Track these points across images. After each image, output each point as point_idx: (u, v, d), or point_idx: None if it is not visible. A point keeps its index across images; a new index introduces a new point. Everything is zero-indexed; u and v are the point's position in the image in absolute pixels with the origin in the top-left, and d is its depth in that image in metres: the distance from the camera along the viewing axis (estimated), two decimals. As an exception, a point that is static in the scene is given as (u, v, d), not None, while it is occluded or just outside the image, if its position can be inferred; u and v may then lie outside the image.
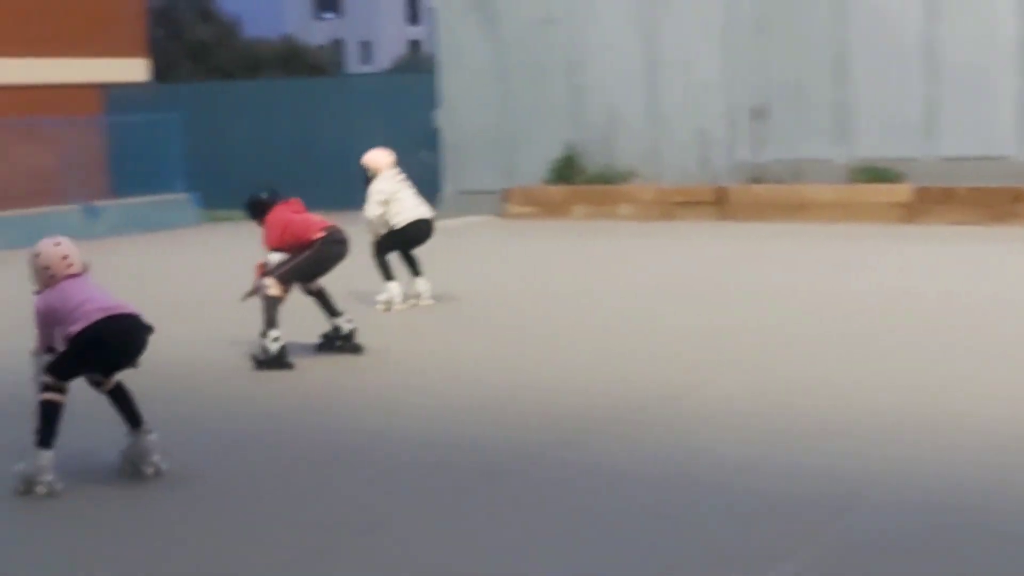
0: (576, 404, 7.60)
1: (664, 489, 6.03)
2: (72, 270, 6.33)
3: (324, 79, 35.93)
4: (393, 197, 11.47)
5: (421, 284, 11.61)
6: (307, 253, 8.94)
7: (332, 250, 9.07)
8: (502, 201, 19.47)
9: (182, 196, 20.79)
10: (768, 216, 17.56)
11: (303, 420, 7.61)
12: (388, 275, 11.54)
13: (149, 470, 6.49)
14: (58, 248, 6.36)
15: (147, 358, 6.51)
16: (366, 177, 11.54)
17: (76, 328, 6.18)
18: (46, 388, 6.22)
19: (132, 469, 6.51)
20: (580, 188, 19.27)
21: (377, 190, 11.41)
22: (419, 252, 11.65)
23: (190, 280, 13.98)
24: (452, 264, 14.56)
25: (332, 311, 9.33)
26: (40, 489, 6.18)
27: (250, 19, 56.00)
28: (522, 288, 12.38)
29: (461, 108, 20.59)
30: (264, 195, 9.24)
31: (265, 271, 8.95)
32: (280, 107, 25.29)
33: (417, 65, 56.63)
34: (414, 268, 11.67)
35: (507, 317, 10.73)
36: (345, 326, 9.35)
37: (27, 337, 6.56)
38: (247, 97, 26.46)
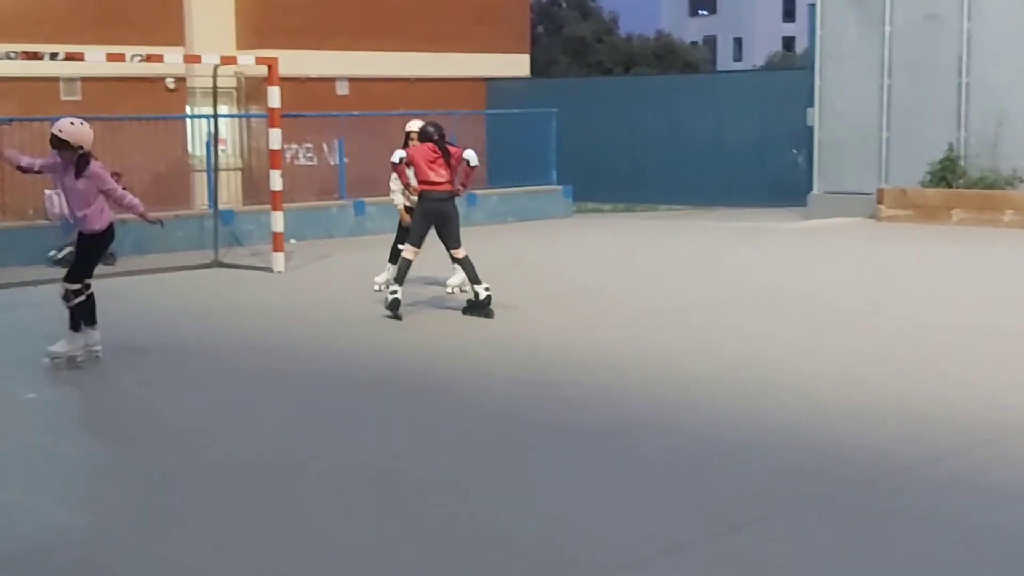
0: (952, 417, 7.30)
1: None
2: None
3: (695, 76, 36.05)
4: None
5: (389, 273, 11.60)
6: (415, 213, 10.55)
7: (429, 207, 10.36)
8: (876, 203, 18.91)
9: (556, 188, 21.46)
10: None
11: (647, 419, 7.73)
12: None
13: (92, 355, 8.76)
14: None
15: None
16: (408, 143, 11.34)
17: (101, 225, 8.46)
18: (77, 293, 8.49)
19: (84, 354, 8.75)
20: (960, 192, 18.40)
21: None
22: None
23: (562, 266, 14.43)
24: (820, 264, 14.32)
25: (473, 279, 10.40)
26: (79, 359, 8.66)
27: (627, 16, 57.00)
28: (889, 291, 12.02)
29: (837, 106, 20.16)
30: (430, 128, 10.59)
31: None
32: (651, 103, 25.61)
33: (789, 62, 55.69)
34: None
35: (871, 321, 10.46)
36: (483, 292, 10.34)
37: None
38: (619, 93, 26.95)
